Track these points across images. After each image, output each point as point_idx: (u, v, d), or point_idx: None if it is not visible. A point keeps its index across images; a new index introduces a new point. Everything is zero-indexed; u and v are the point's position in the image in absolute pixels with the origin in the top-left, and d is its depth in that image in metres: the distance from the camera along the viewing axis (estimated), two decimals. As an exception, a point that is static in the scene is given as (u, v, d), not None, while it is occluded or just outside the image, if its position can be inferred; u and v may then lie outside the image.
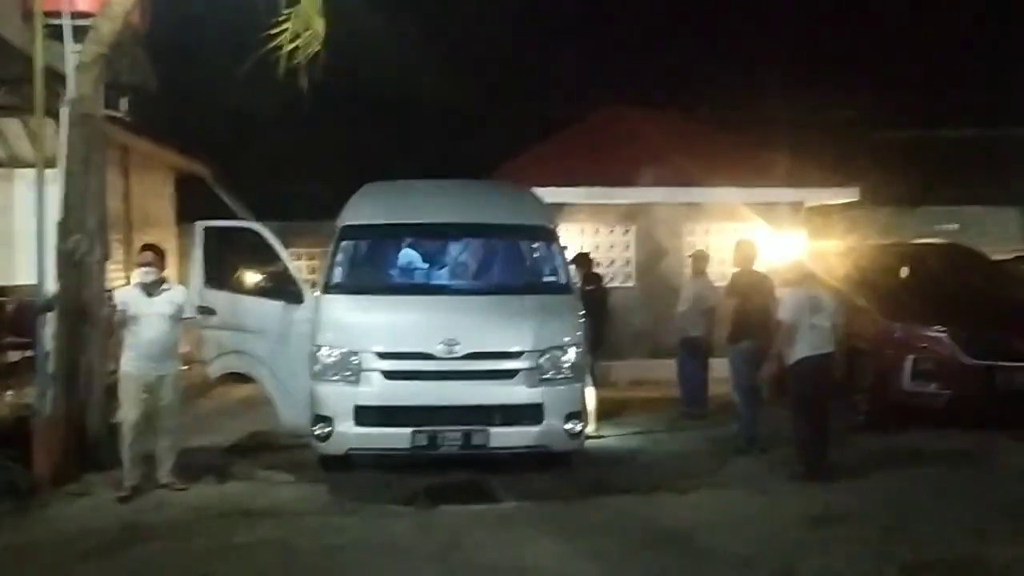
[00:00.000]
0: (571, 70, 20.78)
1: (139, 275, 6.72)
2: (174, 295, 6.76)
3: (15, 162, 11.94)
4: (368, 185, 8.09)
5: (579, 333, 6.95)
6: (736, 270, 8.17)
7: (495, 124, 18.85)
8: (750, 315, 7.59)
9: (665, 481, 6.88)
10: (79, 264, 7.12)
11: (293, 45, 6.93)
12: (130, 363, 6.60)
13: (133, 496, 6.42)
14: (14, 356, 9.25)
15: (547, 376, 6.64)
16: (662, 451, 7.90)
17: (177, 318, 6.72)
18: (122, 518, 6.11)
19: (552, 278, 7.51)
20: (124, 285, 7.10)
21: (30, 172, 8.79)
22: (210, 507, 6.24)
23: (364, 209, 7.70)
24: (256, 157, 16.76)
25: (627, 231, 12.04)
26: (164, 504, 5.97)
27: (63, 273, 7.09)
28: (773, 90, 18.03)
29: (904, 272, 9.36)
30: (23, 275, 10.10)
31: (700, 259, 9.60)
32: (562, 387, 6.68)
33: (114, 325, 6.75)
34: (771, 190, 11.85)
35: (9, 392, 7.99)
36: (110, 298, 6.56)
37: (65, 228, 7.09)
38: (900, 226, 15.28)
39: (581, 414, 6.78)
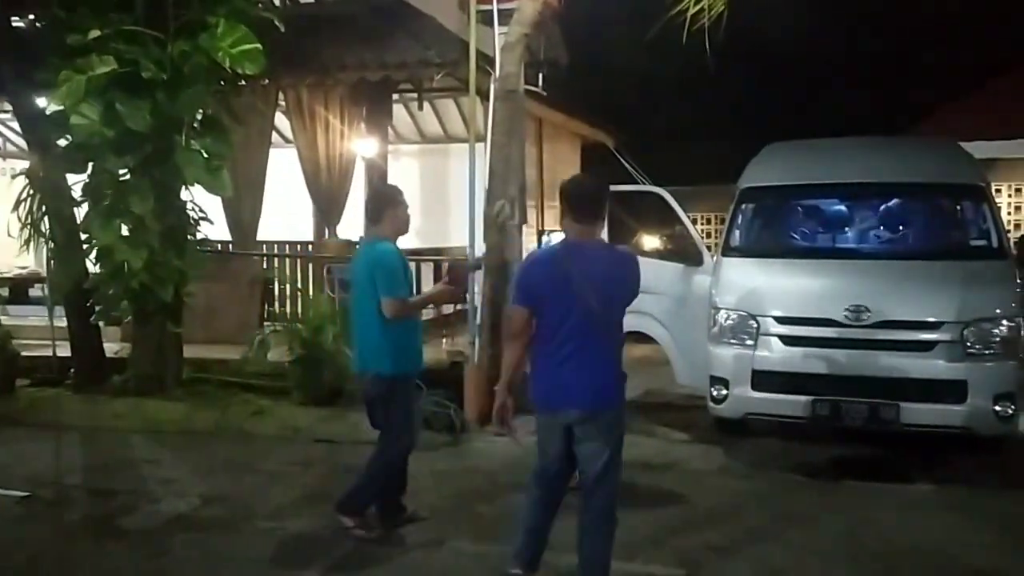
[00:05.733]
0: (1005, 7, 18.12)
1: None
2: None
3: (449, 138, 13.62)
4: (769, 146, 7.87)
5: (1014, 304, 6.14)
6: None
7: (911, 75, 17.15)
8: None
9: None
10: (502, 227, 7.90)
11: (698, 7, 6.93)
12: None
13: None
14: (448, 309, 10.60)
15: (973, 351, 5.98)
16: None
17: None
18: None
19: (982, 242, 6.72)
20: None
21: (461, 147, 9.97)
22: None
23: (765, 171, 7.52)
24: (656, 123, 17.12)
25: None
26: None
27: (488, 235, 7.93)
28: None
29: None
30: (456, 238, 11.52)
31: None
32: (991, 364, 5.96)
33: None
34: None
35: (445, 340, 9.15)
36: None
37: (490, 195, 7.90)
38: None
39: (1013, 395, 5.99)
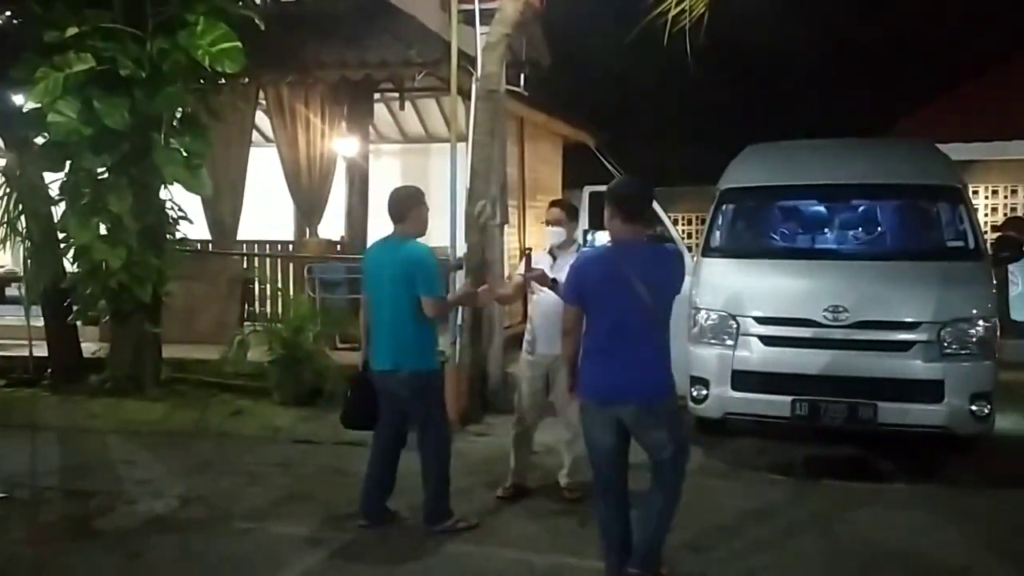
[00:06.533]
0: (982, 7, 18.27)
1: (549, 237, 5.73)
2: None
3: (431, 138, 13.59)
4: (749, 147, 7.91)
5: (990, 305, 6.22)
6: None
7: (890, 76, 17.29)
8: None
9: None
10: (483, 227, 7.89)
11: (679, 9, 6.95)
12: (529, 339, 5.71)
13: (508, 497, 5.72)
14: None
15: (950, 351, 6.04)
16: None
17: None
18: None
19: (959, 243, 6.79)
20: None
21: (442, 146, 9.95)
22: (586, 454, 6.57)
23: (745, 172, 7.55)
24: (637, 123, 17.17)
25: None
26: (554, 451, 6.39)
27: (469, 235, 7.91)
28: None
29: None
30: (436, 238, 11.50)
31: None
32: (967, 364, 6.02)
33: (514, 291, 5.93)
34: None
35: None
36: (528, 262, 5.45)
37: (472, 194, 7.89)
38: None
39: (989, 395, 6.05)
